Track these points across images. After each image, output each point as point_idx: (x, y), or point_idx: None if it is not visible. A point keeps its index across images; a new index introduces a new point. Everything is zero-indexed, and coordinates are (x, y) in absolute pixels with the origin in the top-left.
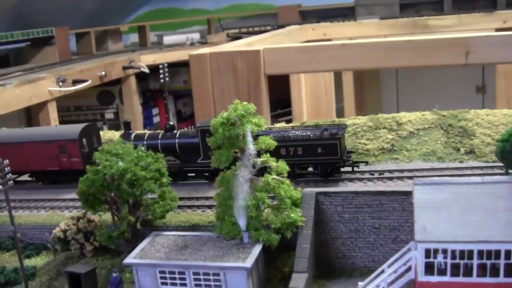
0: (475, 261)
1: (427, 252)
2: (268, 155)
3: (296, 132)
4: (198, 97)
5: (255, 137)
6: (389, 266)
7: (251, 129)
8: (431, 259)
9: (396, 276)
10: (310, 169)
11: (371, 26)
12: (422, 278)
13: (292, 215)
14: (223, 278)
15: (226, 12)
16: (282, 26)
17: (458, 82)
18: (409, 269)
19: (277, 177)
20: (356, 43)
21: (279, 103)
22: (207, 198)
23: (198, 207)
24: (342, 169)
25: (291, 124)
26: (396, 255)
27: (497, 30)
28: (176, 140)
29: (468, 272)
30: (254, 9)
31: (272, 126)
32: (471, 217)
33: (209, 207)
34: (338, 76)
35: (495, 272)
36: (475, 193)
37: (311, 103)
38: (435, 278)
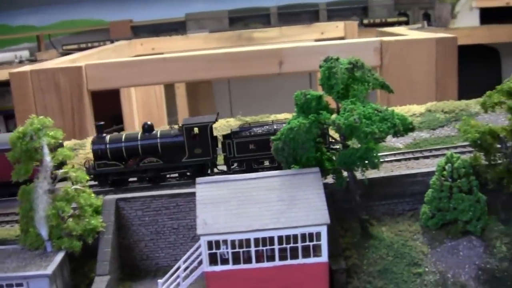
0: (253, 249)
1: (210, 244)
2: (70, 166)
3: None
4: (21, 116)
5: (55, 148)
6: (184, 262)
7: (47, 142)
8: (214, 250)
9: (191, 270)
10: None
11: (199, 39)
12: (208, 268)
13: (93, 221)
14: (26, 287)
15: (56, 28)
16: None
17: (289, 89)
18: (201, 262)
19: (78, 186)
20: (176, 56)
21: (115, 118)
22: (16, 214)
23: (8, 222)
24: None
25: (271, 119)
26: (190, 251)
27: (316, 40)
28: (158, 140)
29: (248, 259)
30: (84, 25)
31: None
32: (247, 209)
33: (18, 221)
34: (171, 89)
35: (271, 257)
36: (251, 187)
37: (143, 116)
38: (219, 268)
